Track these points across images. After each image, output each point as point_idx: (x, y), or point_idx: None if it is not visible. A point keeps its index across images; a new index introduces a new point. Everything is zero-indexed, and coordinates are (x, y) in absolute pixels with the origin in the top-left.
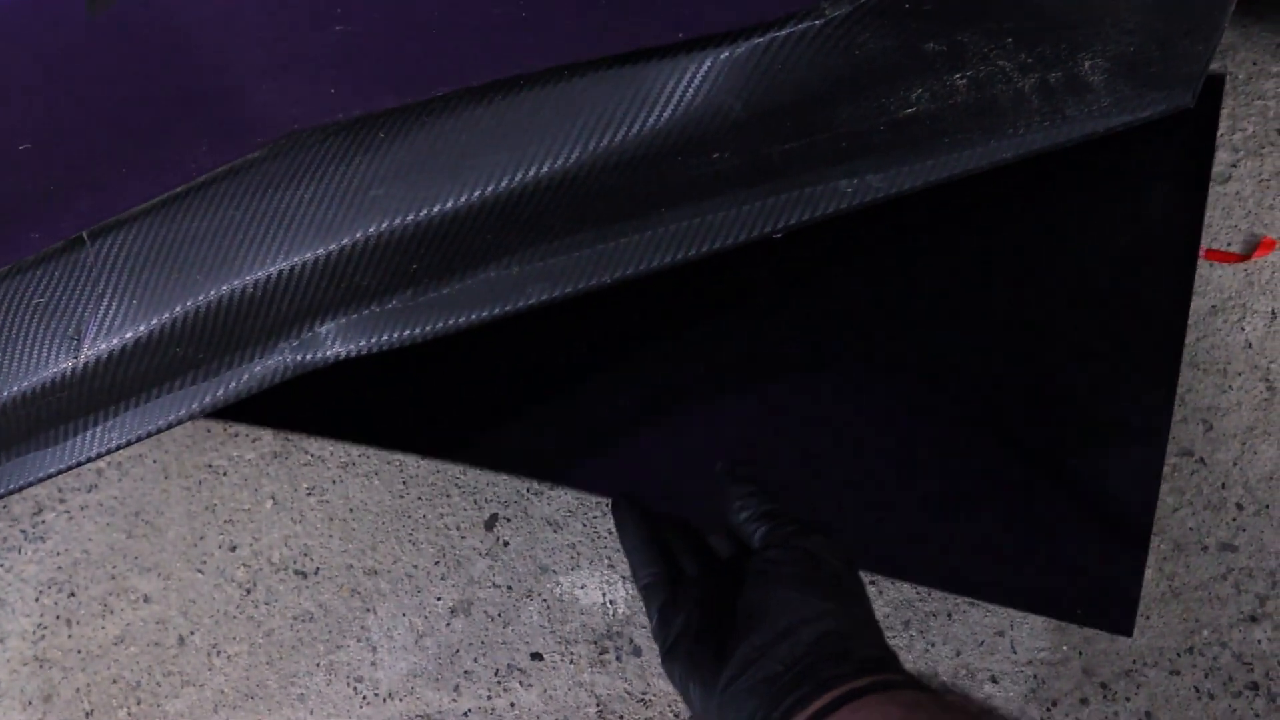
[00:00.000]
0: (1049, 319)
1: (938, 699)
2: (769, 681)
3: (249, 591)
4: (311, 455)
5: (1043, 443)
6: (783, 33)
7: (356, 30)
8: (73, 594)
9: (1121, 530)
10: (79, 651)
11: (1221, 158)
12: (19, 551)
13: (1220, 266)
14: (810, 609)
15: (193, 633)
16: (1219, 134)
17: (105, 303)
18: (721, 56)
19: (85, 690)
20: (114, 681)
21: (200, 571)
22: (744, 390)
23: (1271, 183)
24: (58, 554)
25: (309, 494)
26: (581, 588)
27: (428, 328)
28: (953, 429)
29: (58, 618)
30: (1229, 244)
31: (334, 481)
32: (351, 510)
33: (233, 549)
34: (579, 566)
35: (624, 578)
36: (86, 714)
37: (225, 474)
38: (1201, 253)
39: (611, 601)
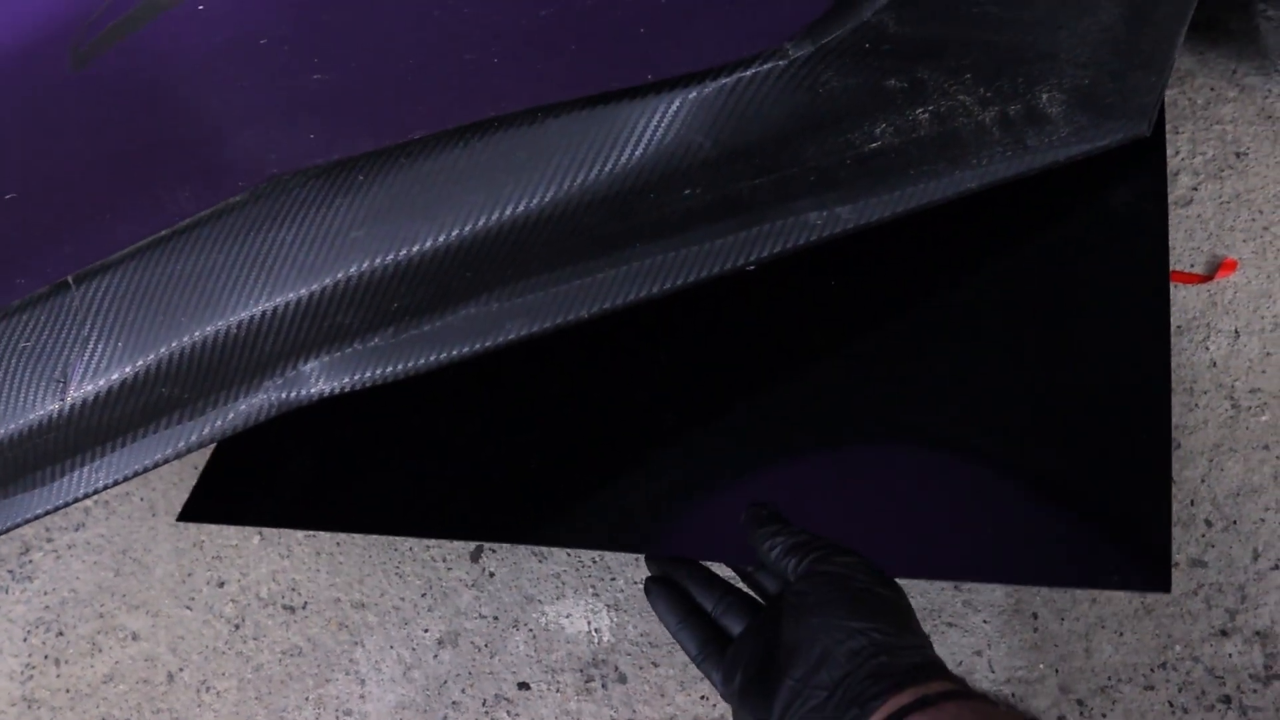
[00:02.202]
0: (1039, 328)
1: (979, 708)
2: (816, 711)
3: (237, 627)
4: None
5: (1047, 430)
6: (749, 73)
7: (334, 78)
8: (61, 633)
9: (1141, 492)
10: (68, 691)
11: (1183, 181)
12: (6, 592)
13: (1184, 288)
14: (840, 630)
15: (182, 669)
16: (1180, 158)
17: (91, 345)
18: (690, 96)
19: None
20: None
21: (189, 608)
22: (745, 416)
23: (1232, 205)
24: (45, 593)
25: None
26: (567, 617)
27: (410, 364)
28: (960, 439)
29: (46, 657)
30: (1192, 265)
31: None
32: (338, 544)
33: (221, 585)
34: (564, 596)
35: (608, 606)
36: None
37: None
38: None
39: (597, 630)
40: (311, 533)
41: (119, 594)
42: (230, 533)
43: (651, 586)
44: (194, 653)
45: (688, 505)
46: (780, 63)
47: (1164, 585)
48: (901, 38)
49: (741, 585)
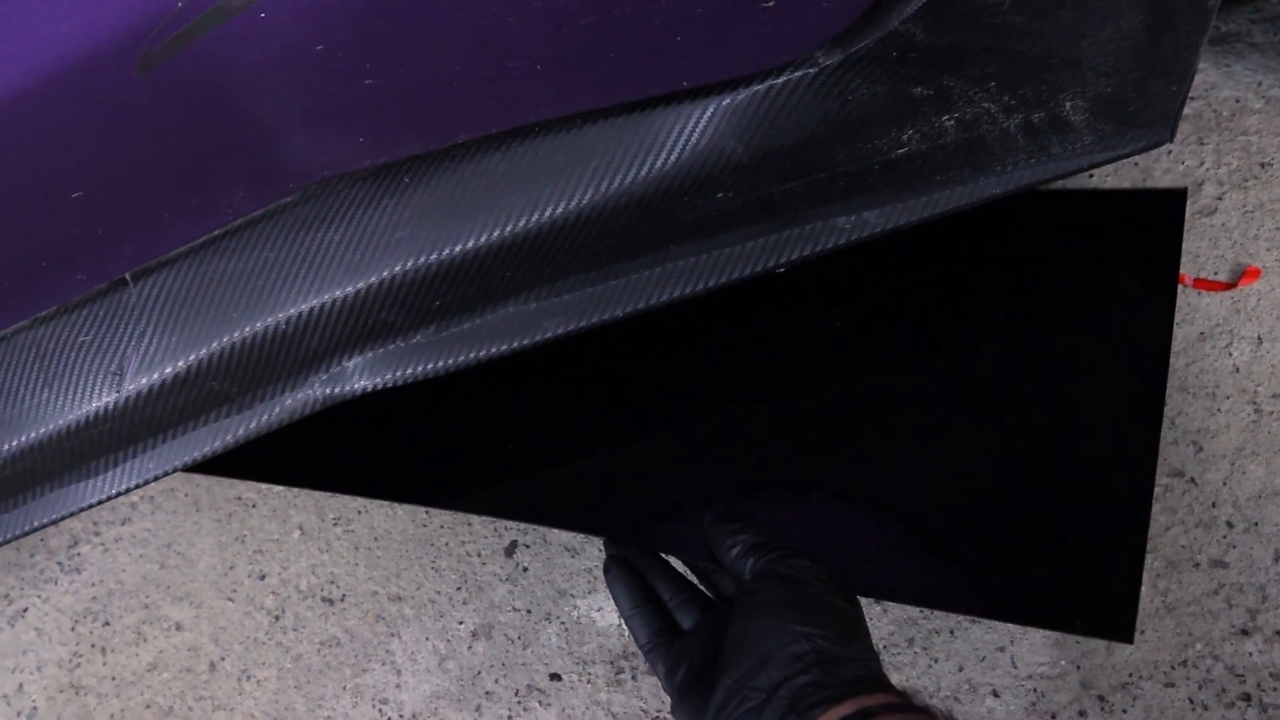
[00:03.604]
0: (1032, 348)
1: None
2: (753, 713)
3: (278, 618)
4: None
5: (1030, 466)
6: (780, 80)
7: (384, 84)
8: (107, 623)
9: (1115, 540)
10: (113, 678)
11: (1208, 191)
12: (55, 583)
13: (1208, 295)
14: (786, 634)
15: (223, 659)
16: (1204, 168)
17: (146, 340)
18: (723, 103)
19: (119, 716)
20: (147, 707)
21: (230, 600)
22: (735, 425)
23: (1255, 214)
24: (93, 585)
25: (335, 524)
26: (598, 610)
27: (450, 361)
28: (941, 454)
29: (93, 646)
30: (1216, 273)
31: (359, 512)
32: (376, 539)
33: (262, 578)
34: (596, 590)
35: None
36: None
37: (254, 506)
38: (1190, 282)
39: None
40: (350, 528)
41: (163, 586)
42: (272, 527)
43: (610, 566)
44: (235, 643)
45: (656, 498)
46: (811, 70)
47: (1127, 636)
48: (928, 46)
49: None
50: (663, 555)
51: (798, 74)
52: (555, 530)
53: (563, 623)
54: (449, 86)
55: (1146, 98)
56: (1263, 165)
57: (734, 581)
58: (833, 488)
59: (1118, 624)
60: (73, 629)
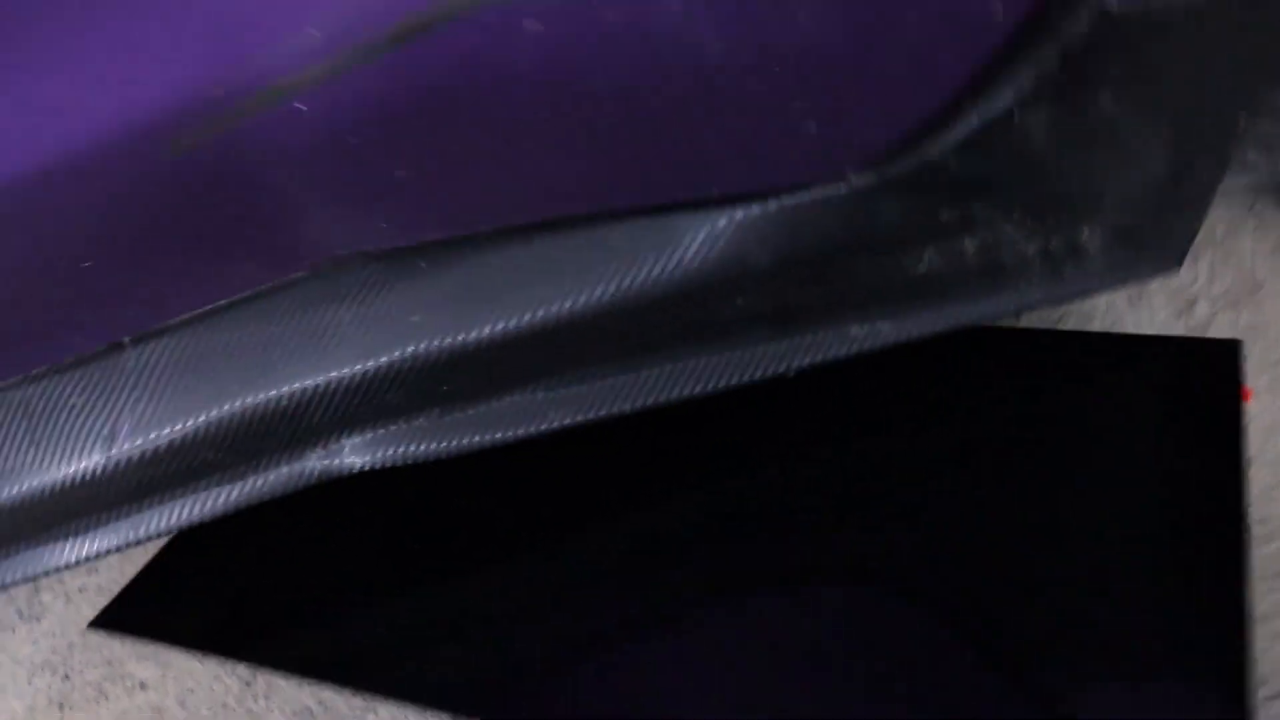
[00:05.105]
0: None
1: None
2: None
3: (249, 684)
4: None
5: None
6: (809, 195)
7: (414, 175)
8: (67, 677)
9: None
10: None
11: (1201, 309)
12: (13, 631)
13: None
14: None
15: None
16: (1198, 284)
17: (141, 405)
18: (751, 211)
19: None
20: None
21: (200, 661)
22: (726, 606)
23: (1246, 336)
24: (54, 635)
25: None
26: None
27: (451, 444)
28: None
29: (50, 701)
30: None
31: None
32: None
33: None
34: None
35: None
36: None
37: None
38: None
39: None
40: None
41: (129, 641)
42: None
43: None
44: (203, 707)
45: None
46: (842, 188)
47: None
48: (962, 175)
49: None
50: None
51: (828, 191)
52: None
53: None
54: (479, 180)
55: (1162, 230)
56: (1255, 286)
57: None
58: (832, 683)
59: None
60: (30, 682)
